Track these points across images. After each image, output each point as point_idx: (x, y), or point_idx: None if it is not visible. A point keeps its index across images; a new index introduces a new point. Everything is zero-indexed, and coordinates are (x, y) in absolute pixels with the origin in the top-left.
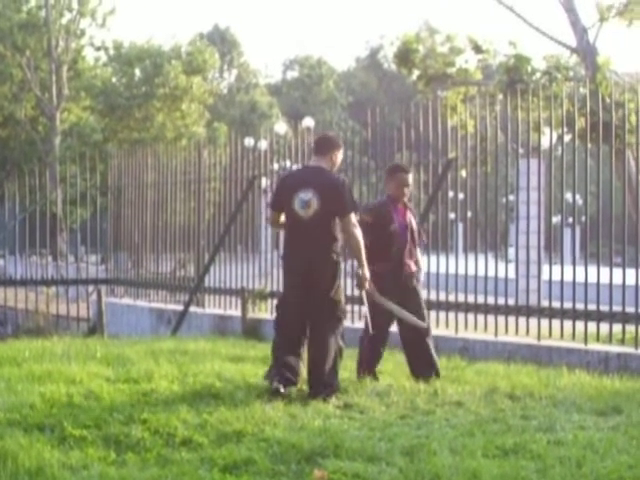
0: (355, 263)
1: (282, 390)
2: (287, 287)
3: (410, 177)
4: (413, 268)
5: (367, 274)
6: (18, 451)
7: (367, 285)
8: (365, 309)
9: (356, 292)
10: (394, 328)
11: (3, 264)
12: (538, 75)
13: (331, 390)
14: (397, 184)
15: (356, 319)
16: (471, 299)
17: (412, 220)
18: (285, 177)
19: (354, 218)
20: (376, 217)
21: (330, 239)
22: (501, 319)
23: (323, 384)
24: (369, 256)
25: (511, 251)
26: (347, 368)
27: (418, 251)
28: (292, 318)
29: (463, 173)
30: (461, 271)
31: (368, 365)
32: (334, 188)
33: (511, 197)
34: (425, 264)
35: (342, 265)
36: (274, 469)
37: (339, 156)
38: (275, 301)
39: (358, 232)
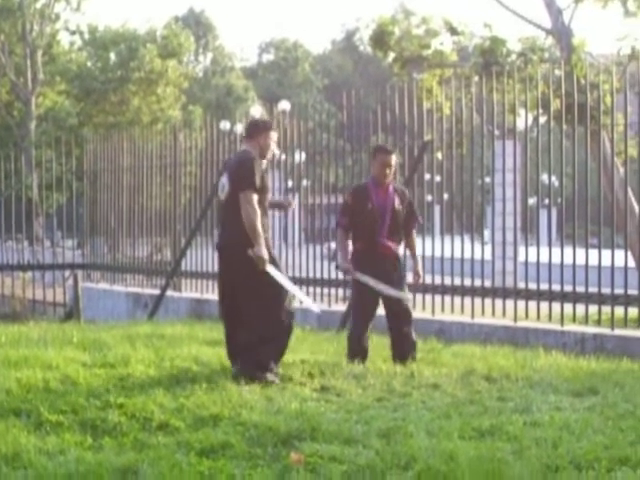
0: (332, 245)
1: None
2: (219, 272)
3: (393, 158)
4: (393, 249)
5: (262, 253)
6: None
7: (265, 266)
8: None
9: (334, 275)
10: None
11: None
12: (513, 57)
13: (261, 368)
14: (378, 165)
15: (333, 302)
16: (447, 281)
17: (396, 201)
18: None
19: (250, 195)
20: (355, 198)
21: (240, 220)
22: (477, 301)
23: (251, 362)
24: (352, 236)
25: (487, 233)
26: (323, 351)
27: (414, 234)
28: (222, 304)
29: (439, 155)
30: (437, 253)
31: (358, 343)
32: (237, 167)
33: (487, 179)
34: (401, 247)
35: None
36: (251, 452)
37: (269, 139)
38: None
39: (250, 209)
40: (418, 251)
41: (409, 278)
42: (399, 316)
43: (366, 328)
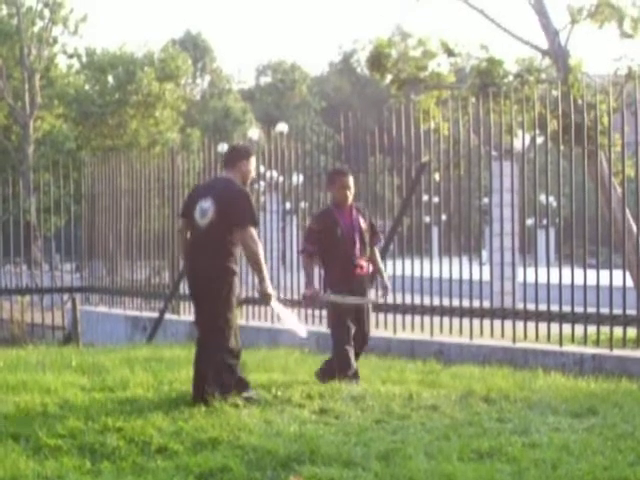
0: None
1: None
2: (190, 295)
3: (350, 179)
4: (365, 269)
5: (268, 290)
6: None
7: (272, 300)
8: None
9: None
10: None
11: None
12: (510, 78)
13: (224, 388)
14: (339, 188)
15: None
16: (446, 302)
17: (361, 221)
18: (194, 188)
19: (253, 231)
20: (322, 224)
21: (223, 250)
22: (476, 322)
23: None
24: (322, 262)
25: (485, 253)
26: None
27: (376, 251)
28: (196, 327)
29: (437, 176)
30: (436, 274)
31: (347, 366)
32: (232, 199)
33: (485, 200)
34: (400, 268)
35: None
36: (250, 476)
37: (250, 165)
38: (250, 307)
39: (255, 246)
40: (417, 272)
41: (377, 294)
42: (357, 340)
43: (351, 344)
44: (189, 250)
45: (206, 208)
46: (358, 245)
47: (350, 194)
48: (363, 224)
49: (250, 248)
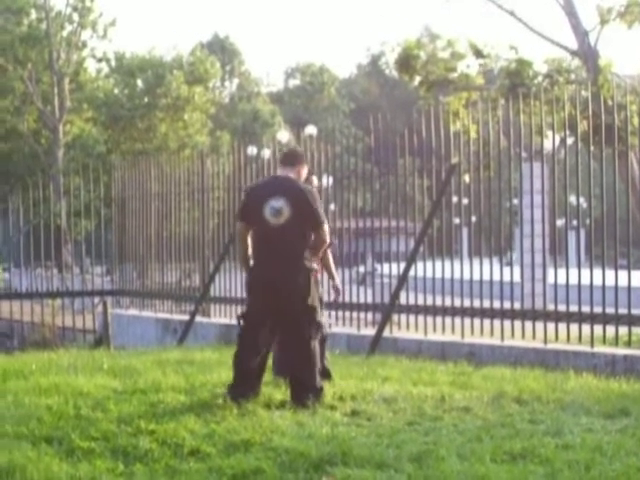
0: (361, 269)
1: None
2: (257, 296)
3: (314, 178)
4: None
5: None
6: (26, 464)
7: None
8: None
9: (363, 299)
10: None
11: (8, 277)
12: (540, 79)
13: (317, 395)
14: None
15: (362, 326)
16: (477, 304)
17: None
18: (253, 187)
19: (327, 228)
20: None
21: (301, 247)
22: (507, 323)
23: (307, 389)
24: None
25: (515, 255)
26: (353, 376)
27: (329, 253)
28: (260, 329)
29: (466, 178)
30: (466, 276)
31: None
32: (305, 197)
33: (515, 201)
34: (430, 269)
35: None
36: (283, 478)
37: (304, 172)
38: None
39: (327, 242)
40: (447, 274)
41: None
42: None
43: None
44: (264, 250)
45: (279, 207)
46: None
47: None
48: None
49: (326, 244)
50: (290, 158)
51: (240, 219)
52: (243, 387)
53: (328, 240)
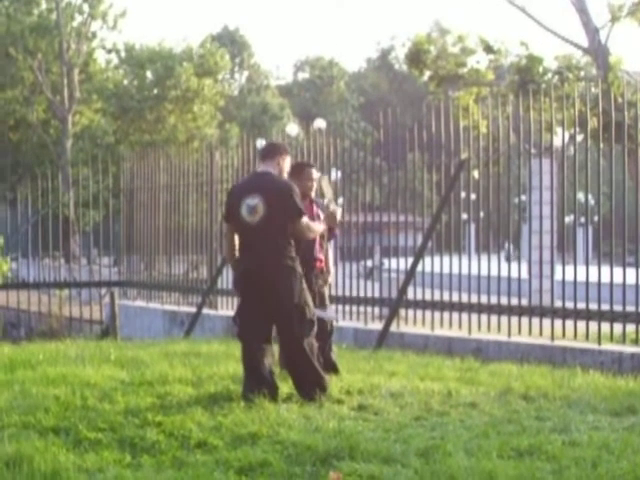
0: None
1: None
2: (244, 296)
3: (314, 171)
4: (322, 263)
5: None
6: (33, 454)
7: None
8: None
9: (370, 293)
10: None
11: (16, 267)
12: (550, 75)
13: (322, 387)
14: (306, 179)
15: (369, 320)
16: (484, 300)
17: (320, 214)
18: (234, 187)
19: (305, 220)
20: None
21: (280, 243)
22: (514, 320)
23: (311, 383)
24: None
25: (517, 250)
26: (360, 370)
27: (330, 246)
28: (255, 327)
29: (475, 174)
30: (474, 271)
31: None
32: (280, 192)
33: (523, 197)
34: (438, 265)
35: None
36: (289, 471)
37: (286, 162)
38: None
39: (313, 234)
40: (455, 269)
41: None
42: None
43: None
44: (244, 249)
45: (254, 204)
46: (318, 239)
47: (312, 185)
48: (322, 217)
49: (306, 237)
50: (268, 151)
51: (225, 220)
52: (257, 383)
53: (311, 234)
